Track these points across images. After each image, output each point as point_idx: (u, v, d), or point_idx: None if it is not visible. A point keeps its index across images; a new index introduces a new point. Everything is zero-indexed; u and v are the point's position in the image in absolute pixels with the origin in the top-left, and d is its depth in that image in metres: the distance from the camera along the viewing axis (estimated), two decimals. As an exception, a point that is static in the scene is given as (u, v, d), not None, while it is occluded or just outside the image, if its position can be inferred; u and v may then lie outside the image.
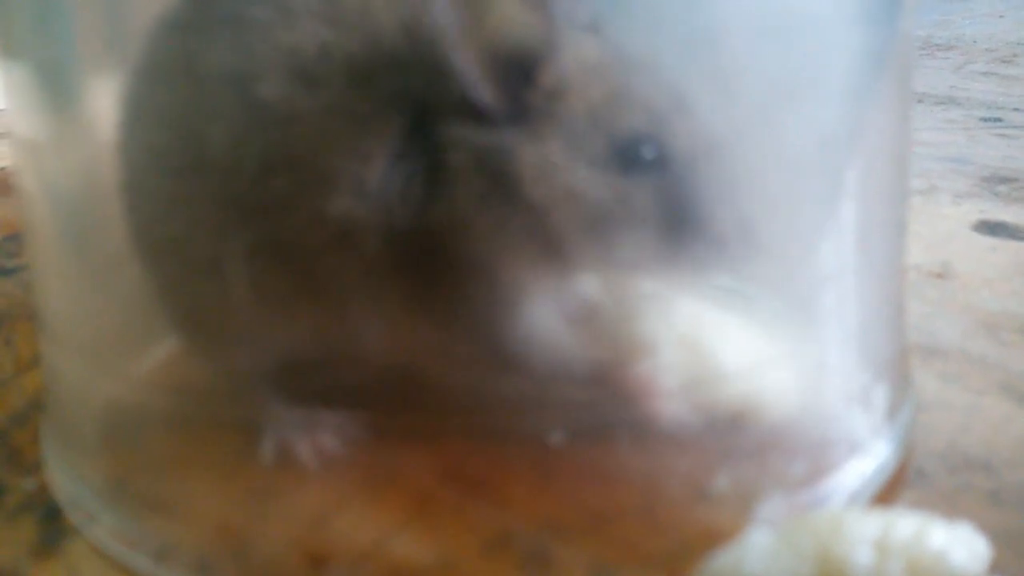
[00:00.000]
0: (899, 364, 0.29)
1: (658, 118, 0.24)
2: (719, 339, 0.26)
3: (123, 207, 0.26)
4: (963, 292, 0.38)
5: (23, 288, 0.42)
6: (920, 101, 0.71)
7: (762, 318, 0.28)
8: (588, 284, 0.26)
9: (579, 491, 0.25)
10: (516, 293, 0.24)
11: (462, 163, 0.23)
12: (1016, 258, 0.42)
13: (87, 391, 0.27)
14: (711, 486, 0.24)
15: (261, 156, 0.23)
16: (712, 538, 0.23)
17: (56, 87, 0.26)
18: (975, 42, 0.94)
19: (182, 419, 0.26)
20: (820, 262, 0.27)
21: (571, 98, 0.23)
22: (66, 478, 0.27)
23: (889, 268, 0.29)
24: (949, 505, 0.25)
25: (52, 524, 0.26)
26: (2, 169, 0.61)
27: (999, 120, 0.65)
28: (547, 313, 0.25)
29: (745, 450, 0.26)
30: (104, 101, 0.26)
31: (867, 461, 0.26)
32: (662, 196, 0.24)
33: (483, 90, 0.23)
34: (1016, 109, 0.68)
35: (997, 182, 0.52)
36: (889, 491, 0.26)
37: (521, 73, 0.23)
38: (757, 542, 0.21)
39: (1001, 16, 1.10)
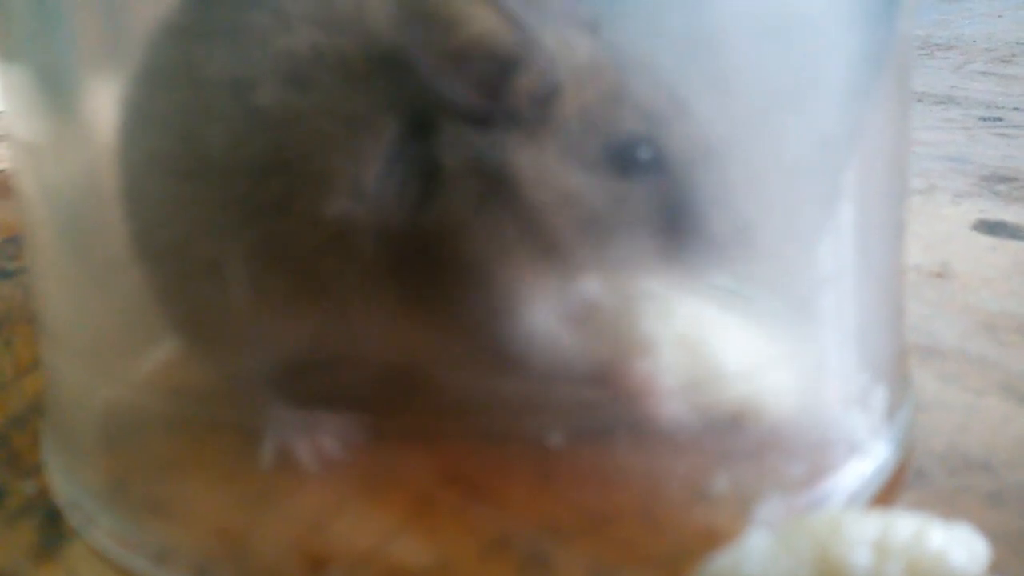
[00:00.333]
0: (898, 365, 0.29)
1: (654, 120, 0.24)
2: (718, 340, 0.26)
3: (123, 211, 0.26)
4: (962, 292, 0.38)
5: (22, 291, 0.42)
6: (919, 101, 0.71)
7: (761, 319, 0.28)
8: (587, 284, 0.26)
9: (578, 493, 0.25)
10: (514, 294, 0.24)
11: (458, 165, 0.23)
12: (1016, 258, 0.42)
13: (87, 394, 0.27)
14: (710, 487, 0.24)
15: (259, 159, 0.23)
16: (711, 539, 0.23)
17: (55, 90, 0.26)
18: (974, 42, 0.94)
19: (182, 421, 0.26)
20: (819, 263, 0.27)
21: (564, 101, 0.23)
22: (66, 481, 0.27)
23: (888, 269, 0.29)
24: (948, 506, 0.25)
25: (52, 527, 0.26)
26: (1, 171, 0.61)
27: (999, 119, 0.65)
28: (545, 313, 0.25)
29: (744, 451, 0.26)
30: (103, 104, 0.26)
31: (866, 462, 0.26)
32: (659, 198, 0.24)
33: (465, 97, 0.23)
34: (1015, 108, 0.68)
35: (996, 181, 0.52)
36: (888, 492, 0.26)
37: (497, 82, 0.23)
38: (756, 544, 0.21)
39: (1000, 16, 1.10)
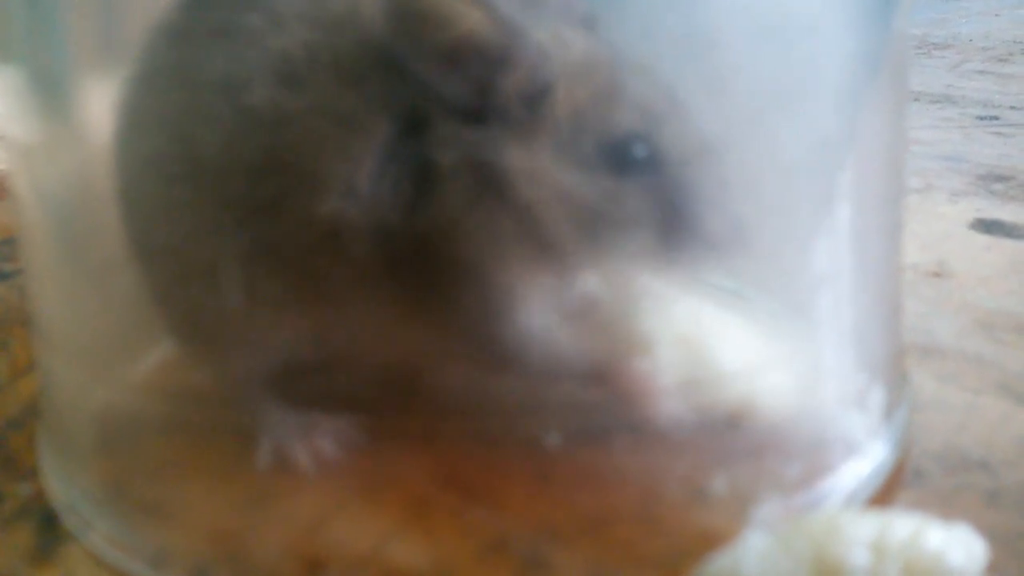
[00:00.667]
0: (896, 364, 0.29)
1: (649, 117, 0.24)
2: (716, 339, 0.26)
3: (118, 213, 0.26)
4: (959, 291, 0.38)
5: (18, 293, 0.42)
6: (916, 100, 0.71)
7: (759, 319, 0.28)
8: (584, 282, 0.26)
9: (576, 494, 0.25)
10: (509, 293, 0.24)
11: (451, 164, 0.23)
12: (1012, 256, 0.42)
13: (83, 396, 0.27)
14: (708, 488, 0.24)
15: (253, 159, 0.23)
16: (709, 540, 0.22)
17: (50, 92, 0.26)
18: (971, 40, 0.94)
19: (178, 424, 0.26)
20: (816, 263, 0.27)
21: (557, 98, 0.23)
22: (62, 484, 0.27)
23: (885, 268, 0.29)
24: (946, 505, 0.25)
25: (48, 530, 0.26)
26: (-3, 173, 0.61)
27: (995, 118, 0.65)
28: (541, 312, 0.25)
29: (742, 451, 0.26)
30: (97, 106, 0.26)
31: (864, 462, 0.26)
32: (654, 196, 0.24)
33: (456, 96, 0.23)
34: (1012, 107, 0.68)
35: (993, 180, 0.52)
36: (886, 492, 0.26)
37: (486, 80, 0.23)
38: (754, 545, 0.21)
39: (997, 15, 1.11)
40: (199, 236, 0.24)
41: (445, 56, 0.22)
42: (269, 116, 0.23)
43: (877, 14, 0.26)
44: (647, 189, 0.24)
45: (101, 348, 0.27)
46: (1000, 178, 0.52)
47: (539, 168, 0.23)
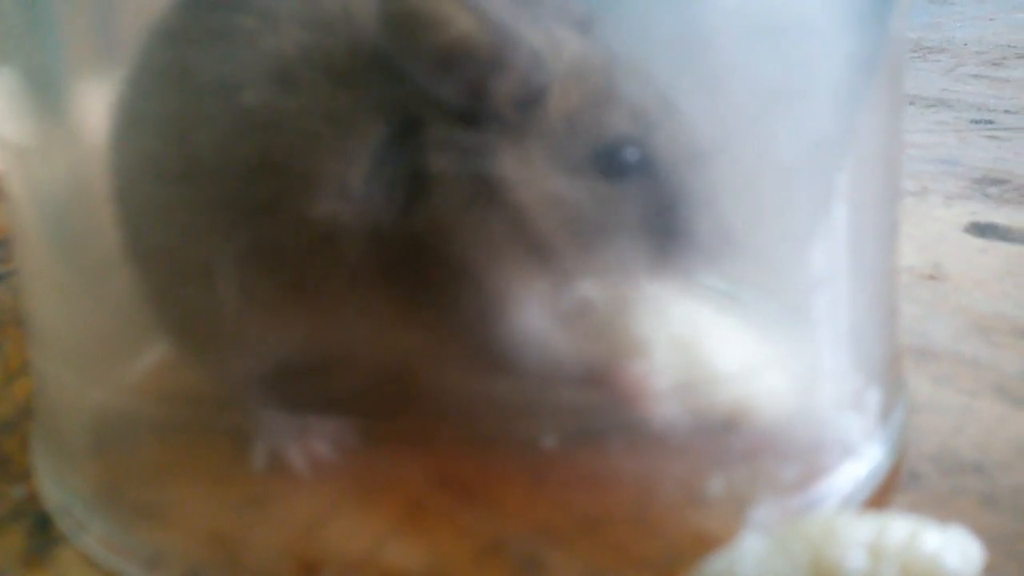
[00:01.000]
0: (892, 366, 0.29)
1: (642, 121, 0.24)
2: (712, 342, 0.26)
3: (113, 214, 0.25)
4: (955, 294, 0.38)
5: (12, 294, 0.42)
6: (911, 103, 0.71)
7: (755, 321, 0.28)
8: (578, 285, 0.26)
9: (572, 496, 0.25)
10: (503, 295, 0.24)
11: (445, 167, 0.23)
12: (1007, 260, 0.42)
13: (76, 398, 0.27)
14: (704, 490, 0.24)
15: (247, 160, 0.23)
16: (705, 543, 0.22)
17: (44, 92, 0.26)
18: (966, 45, 0.95)
19: (173, 426, 0.26)
20: (812, 265, 0.27)
21: (550, 102, 0.23)
22: (56, 486, 0.27)
23: (882, 270, 0.29)
24: (942, 508, 0.25)
25: (42, 532, 0.26)
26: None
27: (990, 122, 0.65)
28: (536, 315, 0.25)
29: (738, 454, 0.26)
30: (92, 107, 0.25)
31: (860, 464, 0.26)
32: (647, 200, 0.24)
33: (449, 99, 0.23)
34: (1007, 111, 0.68)
35: (988, 184, 0.52)
36: (882, 494, 0.26)
37: (479, 84, 0.23)
38: (750, 547, 0.21)
39: (991, 19, 1.11)
40: (194, 237, 0.24)
41: (437, 59, 0.22)
42: (263, 117, 0.23)
43: (874, 16, 0.26)
44: (639, 193, 0.24)
45: (96, 349, 0.27)
46: (995, 182, 0.52)
47: (532, 171, 0.23)
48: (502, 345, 0.25)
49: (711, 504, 0.24)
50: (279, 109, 0.23)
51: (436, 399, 0.25)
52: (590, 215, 0.23)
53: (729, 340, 0.27)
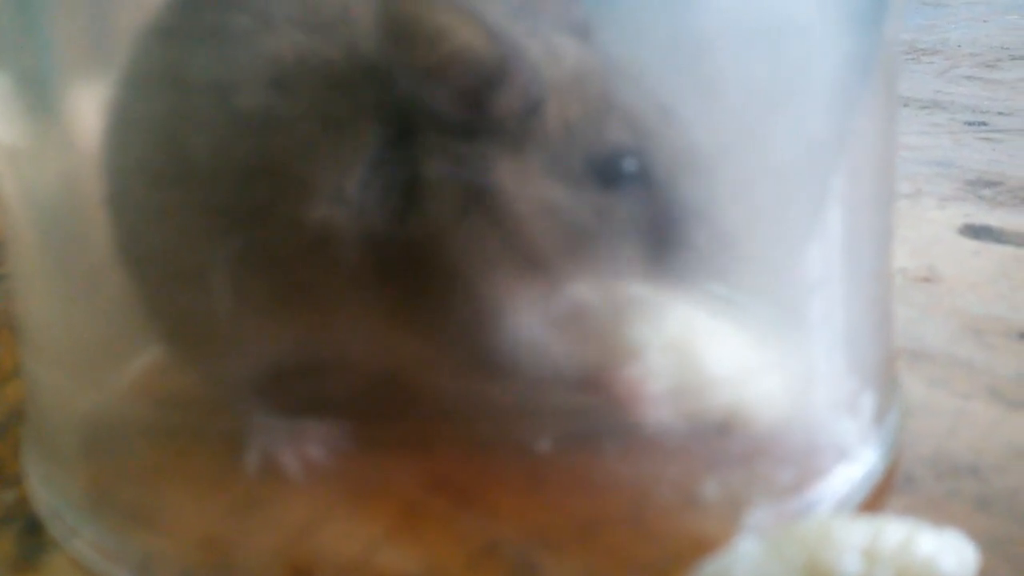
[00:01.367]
0: (887, 369, 0.29)
1: (640, 132, 0.24)
2: (707, 345, 0.26)
3: (107, 216, 0.25)
4: (949, 296, 0.38)
5: (5, 297, 0.42)
6: (905, 105, 0.71)
7: (750, 324, 0.28)
8: (573, 291, 0.26)
9: (567, 500, 0.25)
10: (497, 302, 0.24)
11: (441, 174, 0.23)
12: (1001, 262, 0.42)
13: (69, 402, 0.27)
14: (700, 493, 0.24)
15: (242, 163, 0.23)
16: (701, 546, 0.22)
17: (36, 94, 0.26)
18: (960, 46, 0.95)
19: (165, 430, 0.26)
20: (807, 268, 0.27)
21: (548, 113, 0.23)
22: (47, 490, 0.27)
23: (876, 273, 0.29)
24: (937, 511, 0.25)
25: (32, 537, 0.26)
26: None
27: (984, 124, 0.66)
28: (530, 321, 0.25)
29: (733, 457, 0.26)
30: (84, 108, 0.25)
31: (855, 467, 0.26)
32: (643, 211, 0.24)
33: (447, 110, 0.23)
34: (1000, 113, 0.68)
35: (982, 186, 0.52)
36: (877, 497, 0.26)
37: (478, 96, 0.23)
38: (746, 550, 0.21)
39: (985, 21, 1.11)
40: (187, 240, 0.24)
41: (436, 71, 0.22)
42: (258, 119, 0.23)
43: (868, 18, 0.26)
44: (636, 203, 0.23)
45: (88, 353, 0.27)
46: (989, 183, 0.52)
47: (528, 180, 0.23)
48: (496, 350, 0.25)
49: (706, 508, 0.24)
50: (274, 112, 0.23)
51: (430, 403, 0.25)
52: (586, 224, 0.23)
53: (724, 344, 0.27)
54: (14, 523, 0.26)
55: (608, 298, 0.26)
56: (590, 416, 0.26)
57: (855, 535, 0.21)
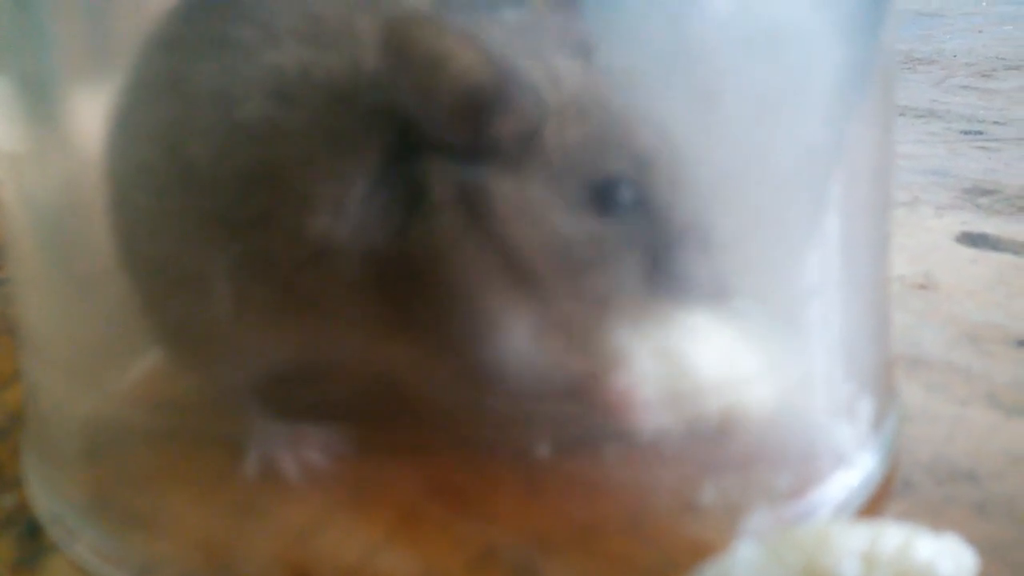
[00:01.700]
0: (884, 375, 0.29)
1: (638, 161, 0.24)
2: (702, 351, 0.26)
3: (108, 222, 0.25)
4: (946, 303, 0.39)
5: (4, 301, 0.42)
6: (902, 114, 0.71)
7: (747, 330, 0.28)
8: (567, 307, 0.26)
9: (565, 504, 0.25)
10: (492, 318, 0.24)
11: (440, 193, 0.23)
12: (998, 269, 0.42)
13: (69, 406, 0.27)
14: (698, 498, 0.24)
15: (243, 173, 0.23)
16: (699, 551, 0.22)
17: (37, 100, 0.26)
18: (955, 56, 0.95)
19: (165, 433, 0.26)
20: (805, 275, 0.27)
21: (548, 137, 0.23)
22: (47, 494, 0.27)
23: (874, 279, 0.29)
24: (935, 516, 0.25)
25: (32, 541, 0.26)
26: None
27: (980, 133, 0.66)
28: (524, 335, 0.25)
29: (731, 462, 0.26)
30: (86, 114, 0.25)
31: (853, 472, 0.26)
32: (637, 239, 0.24)
33: (448, 133, 0.23)
34: (997, 122, 0.69)
35: (979, 194, 0.52)
36: (876, 502, 0.26)
37: (478, 120, 0.23)
38: (744, 555, 0.21)
39: (980, 31, 1.12)
40: (188, 247, 0.24)
41: (435, 94, 0.22)
42: (260, 130, 0.23)
43: (867, 26, 0.27)
44: (633, 231, 0.24)
45: (88, 357, 0.27)
46: (986, 192, 0.53)
47: (526, 204, 0.23)
48: (489, 363, 0.25)
49: (704, 513, 0.24)
50: (276, 124, 0.23)
51: (430, 408, 0.25)
52: (583, 248, 0.23)
53: (719, 349, 0.27)
54: (14, 527, 0.26)
55: (602, 312, 0.26)
56: (588, 422, 0.26)
57: (854, 539, 0.21)
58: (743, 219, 0.26)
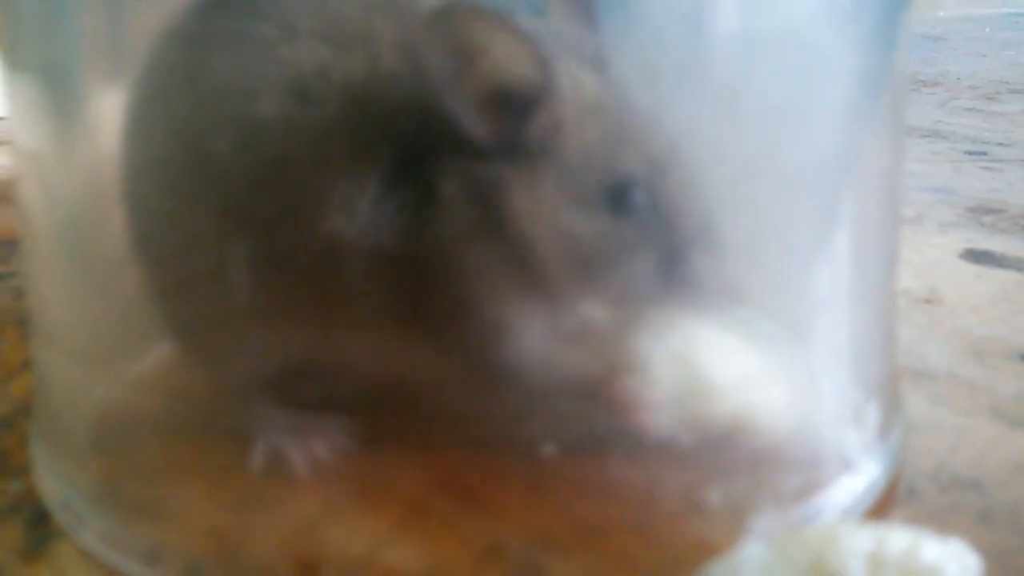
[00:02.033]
0: (890, 385, 0.29)
1: (652, 163, 0.24)
2: (711, 355, 0.27)
3: (124, 215, 0.26)
4: (951, 318, 0.39)
5: (11, 294, 0.42)
6: (907, 134, 0.72)
7: (757, 337, 0.28)
8: (580, 308, 0.26)
9: (572, 503, 0.25)
10: (505, 318, 0.24)
11: (454, 193, 0.23)
12: (1001, 286, 0.42)
13: (80, 394, 0.27)
14: (704, 500, 0.24)
15: (258, 169, 0.23)
16: (705, 551, 0.23)
17: (59, 97, 0.26)
18: (959, 79, 0.96)
19: (174, 424, 0.26)
20: (815, 285, 0.27)
21: (566, 137, 0.23)
22: (55, 481, 0.27)
23: (882, 290, 0.29)
24: (940, 522, 0.25)
25: (40, 527, 0.26)
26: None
27: (984, 153, 0.66)
28: (536, 335, 0.25)
29: (738, 465, 0.26)
30: (107, 111, 0.26)
31: (859, 478, 0.26)
32: (650, 239, 0.24)
33: (477, 127, 0.23)
34: (1000, 144, 0.69)
35: (983, 212, 0.53)
36: (880, 508, 0.26)
37: (517, 112, 0.23)
38: (752, 553, 0.21)
39: (984, 55, 1.13)
40: (202, 241, 0.24)
41: (475, 83, 0.22)
42: (276, 127, 0.23)
43: (882, 36, 0.27)
44: (644, 233, 0.24)
45: (101, 346, 0.27)
46: (990, 211, 0.53)
47: (540, 203, 0.23)
48: (502, 364, 0.25)
49: (711, 514, 0.24)
50: (292, 122, 0.23)
51: (437, 406, 0.25)
52: (595, 249, 0.24)
53: (730, 353, 0.27)
54: (22, 513, 0.26)
55: (613, 312, 0.26)
56: (595, 421, 0.26)
57: (861, 540, 0.21)
58: (757, 225, 0.26)
